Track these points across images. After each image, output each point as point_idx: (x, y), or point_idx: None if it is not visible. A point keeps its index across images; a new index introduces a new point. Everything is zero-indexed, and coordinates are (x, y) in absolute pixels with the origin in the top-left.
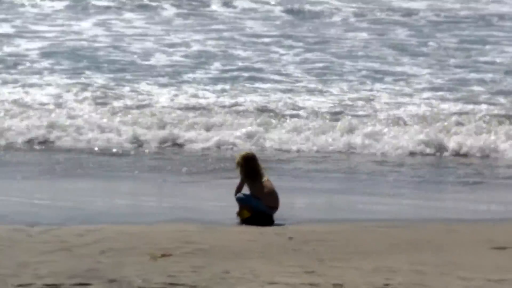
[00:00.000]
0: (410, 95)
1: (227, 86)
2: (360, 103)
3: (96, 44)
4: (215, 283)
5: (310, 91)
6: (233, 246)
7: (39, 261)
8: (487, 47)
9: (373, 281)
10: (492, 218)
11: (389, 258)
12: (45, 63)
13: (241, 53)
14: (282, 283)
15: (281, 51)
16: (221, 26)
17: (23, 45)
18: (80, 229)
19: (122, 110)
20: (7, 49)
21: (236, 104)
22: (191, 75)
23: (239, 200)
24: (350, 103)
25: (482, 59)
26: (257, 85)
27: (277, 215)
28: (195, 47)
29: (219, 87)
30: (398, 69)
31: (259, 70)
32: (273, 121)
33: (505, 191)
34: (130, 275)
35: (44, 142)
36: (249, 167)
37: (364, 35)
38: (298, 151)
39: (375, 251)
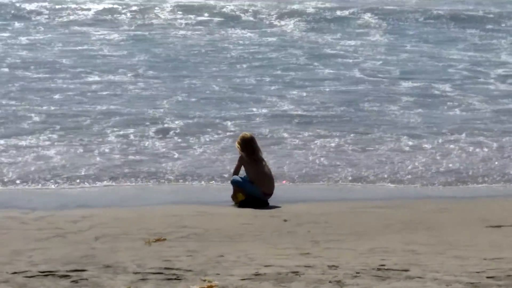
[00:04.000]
0: None
1: None
2: None
3: None
4: (210, 267)
5: None
6: (227, 230)
7: (33, 248)
8: None
9: (368, 262)
10: (486, 196)
11: (383, 238)
12: None
13: None
14: (277, 266)
15: None
16: None
17: None
18: (74, 215)
19: None
20: None
21: None
22: None
23: (234, 183)
24: None
25: None
26: None
27: (272, 198)
28: None
29: None
30: None
31: None
32: None
33: None
34: (125, 261)
35: None
36: (250, 147)
37: None
38: None
39: (370, 232)
